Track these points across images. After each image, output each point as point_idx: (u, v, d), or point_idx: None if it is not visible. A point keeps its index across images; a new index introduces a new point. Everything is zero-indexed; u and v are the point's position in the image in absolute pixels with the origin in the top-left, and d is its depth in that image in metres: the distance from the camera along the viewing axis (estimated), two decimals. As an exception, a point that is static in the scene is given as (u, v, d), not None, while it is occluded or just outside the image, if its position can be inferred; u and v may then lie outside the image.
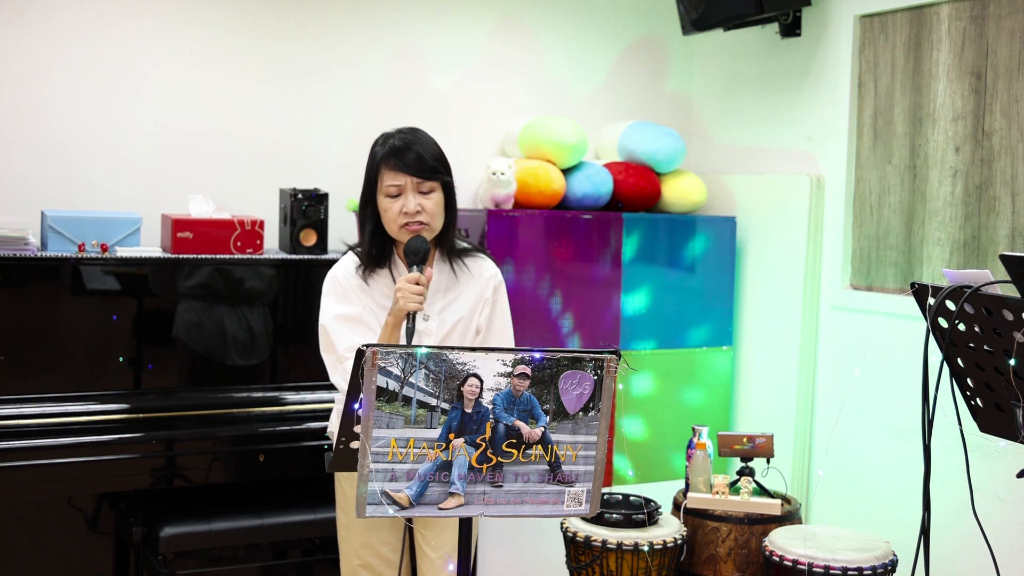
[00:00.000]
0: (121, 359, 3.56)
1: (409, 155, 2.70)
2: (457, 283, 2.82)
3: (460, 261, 2.83)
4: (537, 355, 2.08)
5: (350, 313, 2.74)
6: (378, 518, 2.06)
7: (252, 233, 3.71)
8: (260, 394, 3.72)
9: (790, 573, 3.18)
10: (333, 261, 2.88)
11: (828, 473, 4.03)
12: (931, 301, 2.46)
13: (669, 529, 3.40)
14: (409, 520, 2.69)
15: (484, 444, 2.08)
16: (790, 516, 3.52)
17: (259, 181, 4.06)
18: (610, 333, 4.15)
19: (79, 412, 3.44)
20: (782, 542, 3.26)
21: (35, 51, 3.76)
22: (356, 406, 2.07)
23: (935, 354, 2.48)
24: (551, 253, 4.04)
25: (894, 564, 3.21)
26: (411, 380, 2.02)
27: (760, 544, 3.38)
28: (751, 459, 3.59)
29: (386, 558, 2.85)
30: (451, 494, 2.08)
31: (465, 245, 2.88)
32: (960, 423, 2.49)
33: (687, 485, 3.61)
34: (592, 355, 2.13)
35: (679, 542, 3.38)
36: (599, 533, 3.33)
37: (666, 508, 3.61)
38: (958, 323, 2.42)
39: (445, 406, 2.04)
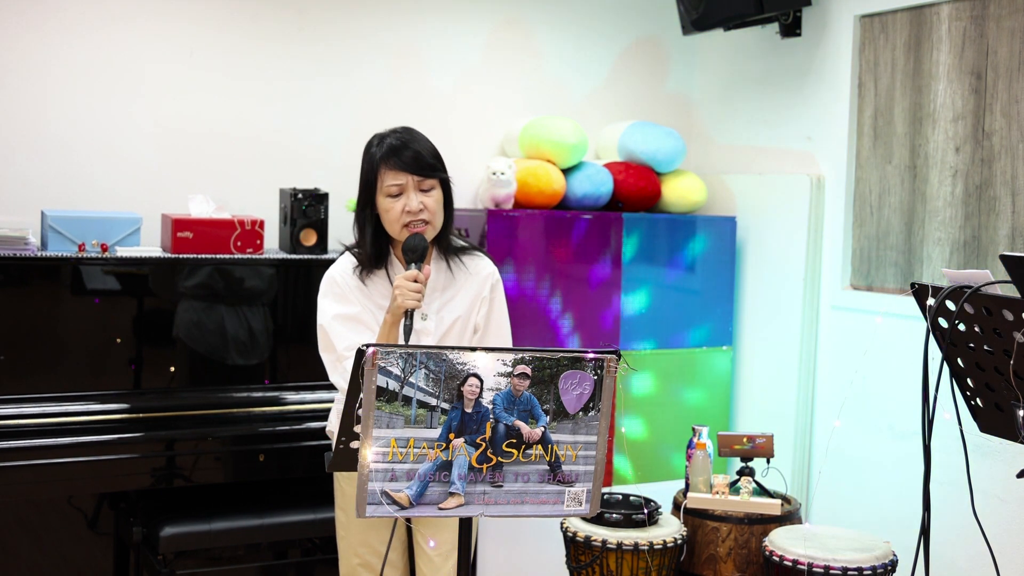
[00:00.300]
0: (121, 359, 3.56)
1: (407, 154, 2.70)
2: (454, 281, 2.82)
3: (457, 259, 2.83)
4: (537, 355, 2.08)
5: (349, 313, 2.74)
6: (377, 518, 2.06)
7: (252, 233, 3.71)
8: (260, 394, 3.72)
9: (790, 573, 3.18)
10: (333, 261, 2.88)
11: (828, 473, 4.03)
12: (931, 301, 2.46)
13: (669, 529, 3.40)
14: (409, 520, 2.69)
15: (484, 444, 2.08)
16: (790, 516, 3.51)
17: (259, 181, 4.06)
18: (610, 333, 4.15)
19: (79, 412, 3.44)
20: (782, 542, 3.25)
21: (35, 51, 3.76)
22: (356, 406, 2.07)
23: (935, 354, 2.48)
24: (551, 253, 4.04)
25: (894, 564, 3.21)
26: (411, 380, 2.01)
27: (760, 544, 3.37)
28: (751, 459, 3.59)
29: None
30: (451, 494, 2.07)
31: (462, 243, 2.88)
32: (960, 423, 2.49)
33: (687, 485, 3.61)
34: (592, 355, 2.12)
35: (679, 542, 3.37)
36: (599, 533, 3.33)
37: (666, 508, 3.61)
38: (958, 323, 2.42)
39: (445, 406, 2.04)
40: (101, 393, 3.51)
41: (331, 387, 2.87)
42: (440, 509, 2.08)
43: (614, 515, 3.39)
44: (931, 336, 2.49)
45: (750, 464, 3.59)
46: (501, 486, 2.11)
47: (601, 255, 4.13)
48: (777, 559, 3.21)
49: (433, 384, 2.03)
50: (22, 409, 3.38)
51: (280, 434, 3.59)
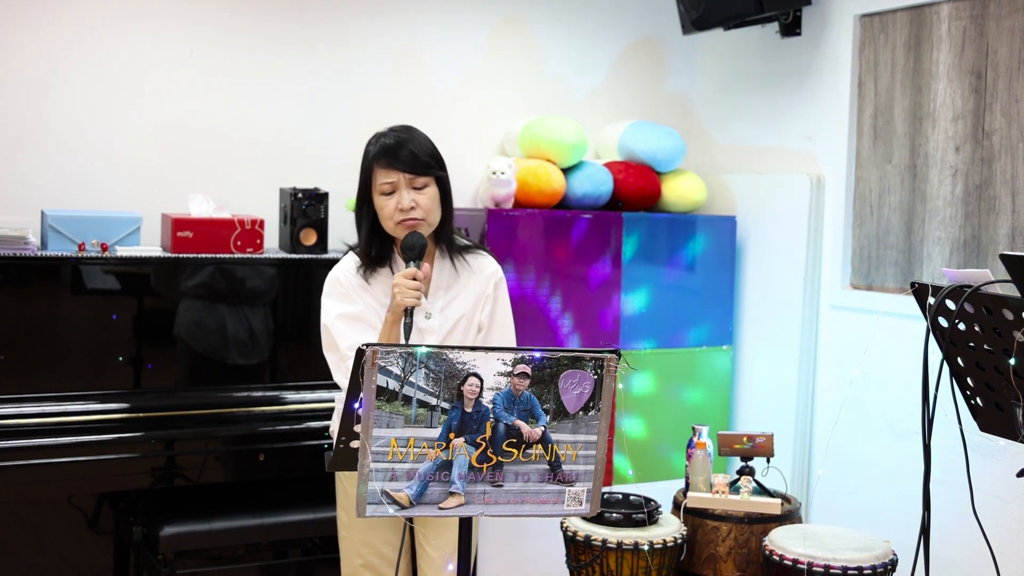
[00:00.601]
0: (121, 359, 3.56)
1: (401, 152, 2.71)
2: (458, 280, 2.83)
3: (461, 258, 2.84)
4: (537, 354, 2.08)
5: (352, 312, 2.74)
6: (379, 517, 2.06)
7: (252, 232, 3.71)
8: (260, 393, 3.72)
9: (790, 572, 3.18)
10: (333, 260, 2.88)
11: (828, 473, 4.03)
12: (931, 301, 2.46)
13: (669, 528, 3.40)
14: (409, 519, 2.69)
15: (484, 443, 2.08)
16: (790, 515, 3.52)
17: (259, 181, 4.06)
18: (610, 333, 4.15)
19: (79, 412, 3.44)
20: (782, 541, 3.25)
21: (35, 51, 3.76)
22: (356, 405, 2.07)
23: (935, 354, 2.48)
24: (551, 253, 4.04)
25: (894, 564, 3.21)
26: (411, 379, 2.01)
27: (760, 543, 3.37)
28: (751, 458, 3.59)
29: (387, 557, 2.85)
30: (451, 494, 2.08)
31: (466, 242, 2.88)
32: (960, 423, 2.49)
33: (687, 484, 3.61)
34: (592, 354, 2.13)
35: (679, 541, 3.38)
36: (599, 532, 3.33)
37: (666, 507, 3.61)
38: (958, 323, 2.42)
39: (445, 405, 2.04)
40: (101, 393, 3.51)
41: (332, 387, 2.86)
42: (440, 509, 2.08)
43: (614, 514, 3.39)
44: (931, 335, 2.49)
45: (750, 463, 3.59)
46: (501, 486, 2.11)
47: (601, 255, 4.13)
48: (777, 558, 3.21)
49: (433, 383, 2.03)
50: (22, 409, 3.38)
51: (280, 434, 3.59)
